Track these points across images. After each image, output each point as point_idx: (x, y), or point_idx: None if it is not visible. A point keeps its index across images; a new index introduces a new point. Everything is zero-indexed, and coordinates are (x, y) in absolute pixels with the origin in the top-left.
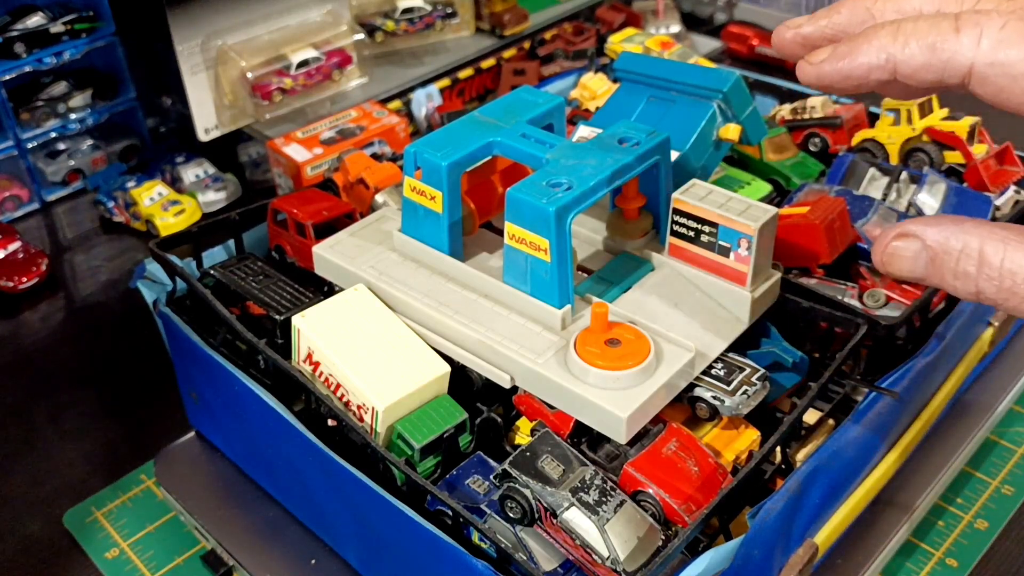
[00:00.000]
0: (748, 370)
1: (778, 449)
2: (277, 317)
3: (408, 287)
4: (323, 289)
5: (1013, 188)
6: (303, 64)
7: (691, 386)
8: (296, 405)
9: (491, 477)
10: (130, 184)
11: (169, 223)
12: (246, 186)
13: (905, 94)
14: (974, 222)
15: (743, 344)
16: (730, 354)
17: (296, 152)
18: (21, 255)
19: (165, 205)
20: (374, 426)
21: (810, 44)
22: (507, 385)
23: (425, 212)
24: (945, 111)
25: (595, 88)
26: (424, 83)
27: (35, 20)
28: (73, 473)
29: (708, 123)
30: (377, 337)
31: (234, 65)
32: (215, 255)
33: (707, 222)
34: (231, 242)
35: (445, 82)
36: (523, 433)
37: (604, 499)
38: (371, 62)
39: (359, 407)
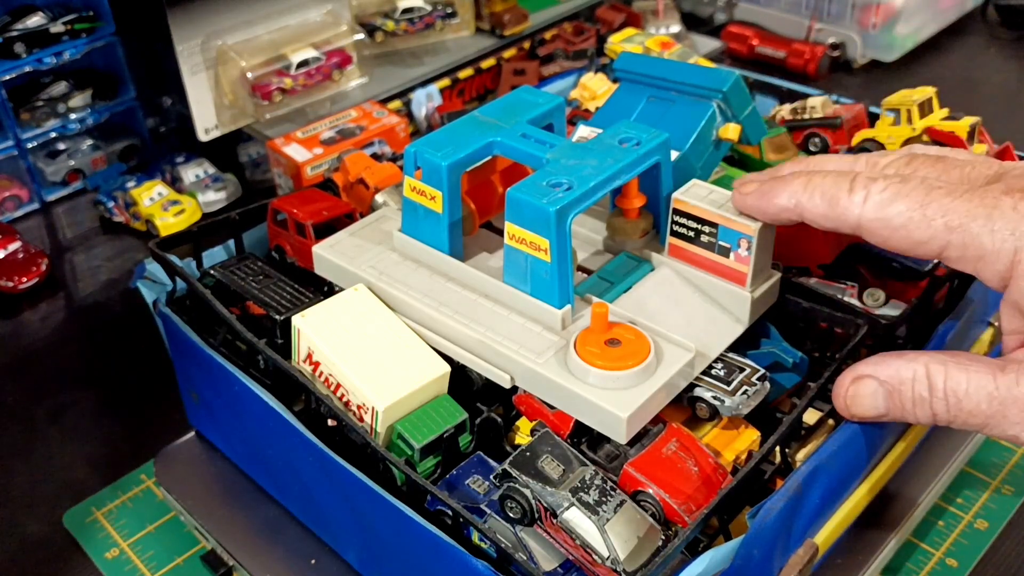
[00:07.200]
0: (748, 370)
1: (778, 449)
2: (277, 317)
3: (408, 287)
4: (323, 289)
5: None
6: (303, 64)
7: (691, 386)
8: (296, 405)
9: (491, 477)
10: (130, 184)
11: (169, 223)
12: (246, 186)
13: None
14: (914, 352)
15: (743, 344)
16: (730, 354)
17: (296, 152)
18: (21, 255)
19: (165, 205)
20: (374, 426)
21: None
22: (507, 385)
23: (425, 212)
24: (945, 111)
25: (595, 88)
26: (424, 83)
27: (35, 20)
28: (73, 473)
29: (708, 123)
30: (377, 337)
31: (234, 65)
32: (215, 255)
33: (707, 222)
34: (231, 242)
35: (445, 82)
36: (523, 433)
37: (604, 499)
38: (371, 62)
39: (359, 407)
